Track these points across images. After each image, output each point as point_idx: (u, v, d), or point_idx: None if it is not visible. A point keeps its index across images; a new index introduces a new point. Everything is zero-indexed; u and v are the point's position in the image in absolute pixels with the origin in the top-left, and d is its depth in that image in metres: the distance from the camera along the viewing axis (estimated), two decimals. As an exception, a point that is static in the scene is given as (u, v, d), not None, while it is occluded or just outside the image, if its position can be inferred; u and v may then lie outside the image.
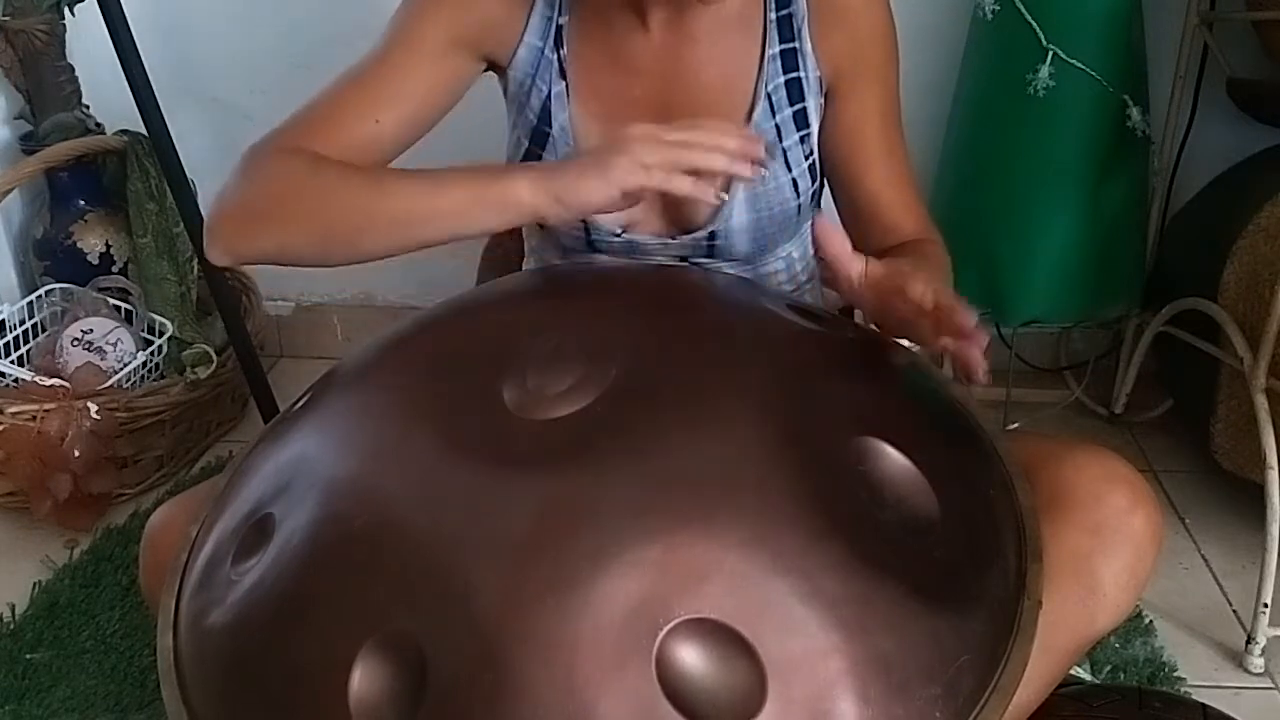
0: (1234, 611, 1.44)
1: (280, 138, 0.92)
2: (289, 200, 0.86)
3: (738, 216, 0.99)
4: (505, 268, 1.29)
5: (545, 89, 0.98)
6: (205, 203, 1.63)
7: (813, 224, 0.83)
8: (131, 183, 1.73)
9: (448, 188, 0.84)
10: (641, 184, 0.81)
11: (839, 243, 0.81)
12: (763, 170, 0.85)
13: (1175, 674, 1.32)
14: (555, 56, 0.97)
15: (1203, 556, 1.54)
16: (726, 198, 0.86)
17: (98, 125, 1.80)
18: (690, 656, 0.58)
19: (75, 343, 1.67)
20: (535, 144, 0.99)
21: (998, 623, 0.66)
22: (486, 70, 1.01)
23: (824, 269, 0.84)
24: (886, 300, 0.79)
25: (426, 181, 0.85)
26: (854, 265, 0.80)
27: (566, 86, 0.98)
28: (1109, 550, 0.79)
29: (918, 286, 0.76)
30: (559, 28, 0.97)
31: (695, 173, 0.82)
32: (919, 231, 1.02)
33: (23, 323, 1.74)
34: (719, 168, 0.82)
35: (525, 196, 0.83)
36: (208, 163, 1.90)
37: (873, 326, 0.88)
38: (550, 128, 0.98)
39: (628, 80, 0.98)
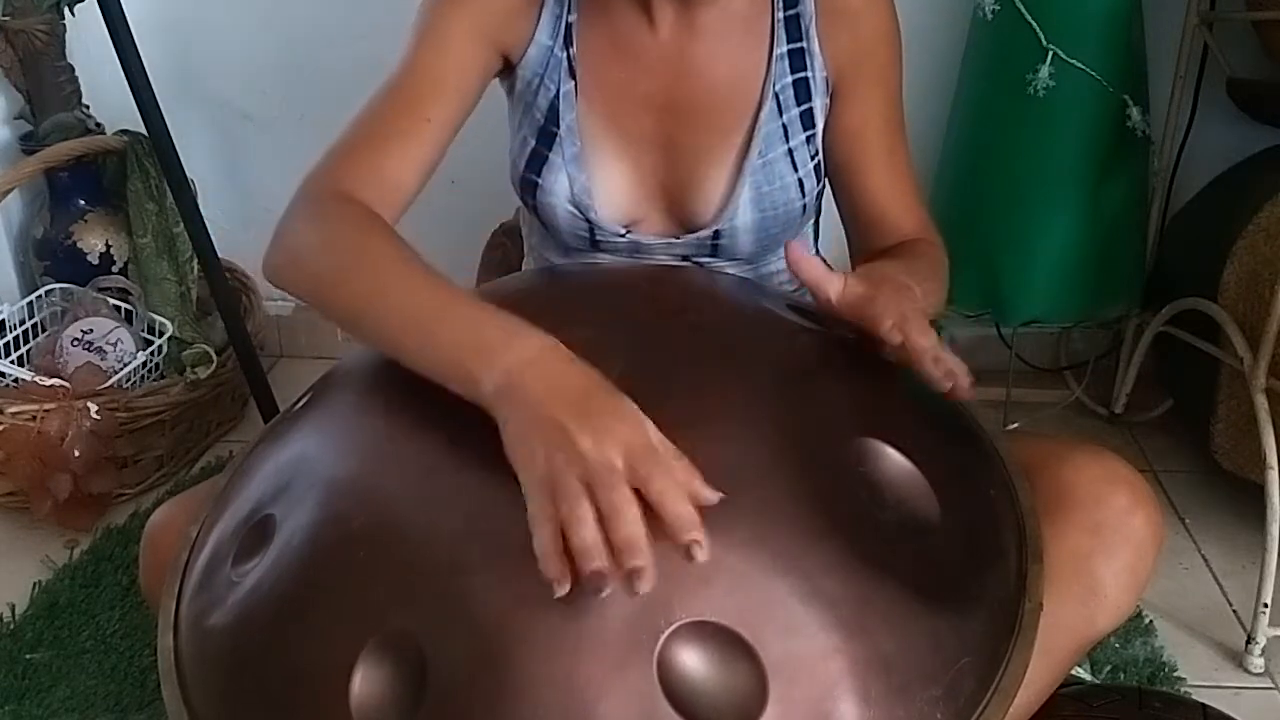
0: (1234, 611, 1.44)
1: (334, 169, 0.90)
2: (311, 268, 0.84)
3: (742, 216, 0.99)
4: (505, 268, 1.29)
5: (554, 88, 0.98)
6: (205, 203, 1.64)
7: (785, 249, 0.80)
8: (131, 183, 1.73)
9: (438, 332, 0.72)
10: (529, 509, 0.62)
11: (812, 267, 0.79)
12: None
13: (1175, 674, 1.32)
14: (565, 55, 0.97)
15: (1203, 556, 1.54)
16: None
17: (98, 125, 1.80)
18: (691, 658, 0.58)
19: (75, 343, 1.67)
20: (542, 144, 0.99)
21: (998, 623, 0.66)
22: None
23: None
24: (864, 322, 0.77)
25: (425, 309, 0.74)
26: (832, 286, 0.78)
27: (574, 85, 0.98)
28: (1109, 551, 0.79)
29: (887, 323, 0.74)
30: (568, 26, 0.97)
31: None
32: (918, 232, 1.02)
33: (23, 323, 1.74)
34: (665, 516, 0.61)
35: (484, 394, 0.68)
36: (208, 163, 1.91)
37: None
38: (558, 127, 0.98)
39: (635, 78, 0.98)
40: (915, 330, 0.74)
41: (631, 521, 0.60)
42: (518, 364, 0.67)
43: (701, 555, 0.59)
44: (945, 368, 0.73)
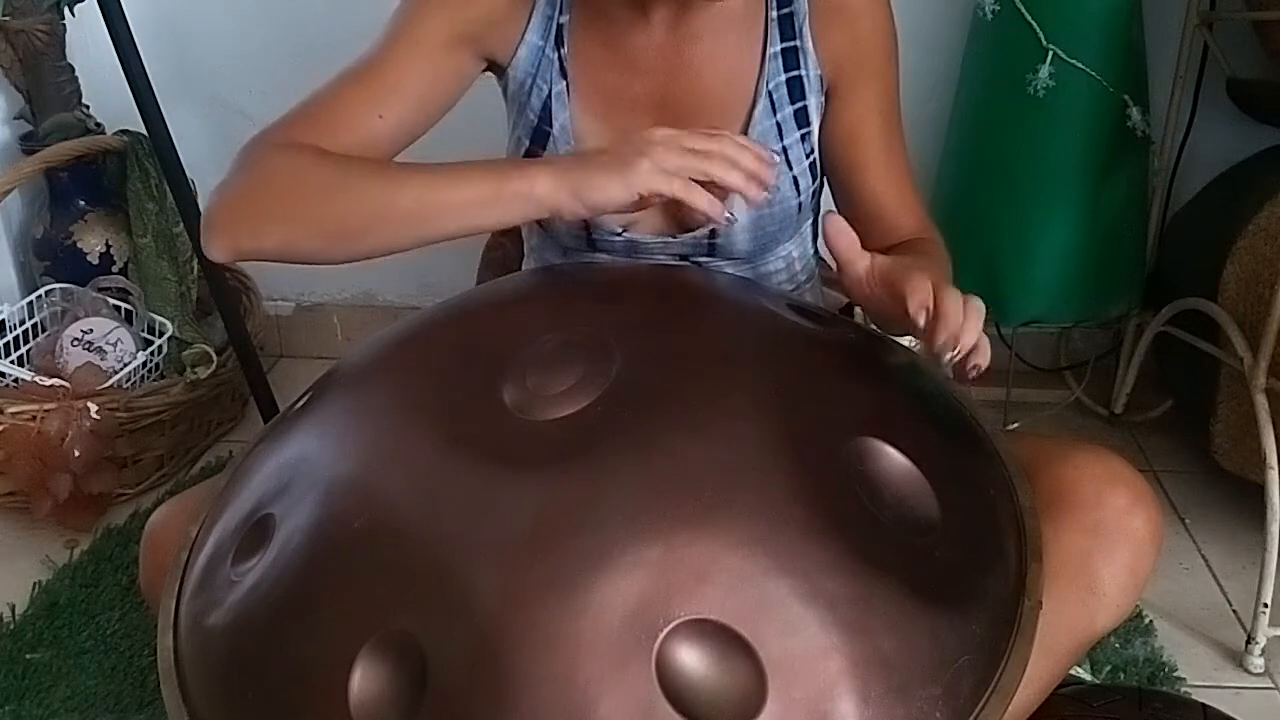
0: (1234, 611, 1.44)
1: (280, 132, 0.91)
2: (294, 195, 0.85)
3: (738, 215, 0.99)
4: (505, 268, 1.29)
5: (546, 88, 0.98)
6: (205, 203, 1.64)
7: (824, 219, 0.83)
8: (131, 183, 1.73)
9: (464, 181, 0.83)
10: (660, 190, 0.80)
11: (848, 239, 0.81)
12: (767, 195, 0.84)
13: (1175, 674, 1.32)
14: (556, 55, 0.97)
15: (1203, 556, 1.54)
16: (736, 218, 0.86)
17: (98, 125, 1.80)
18: (690, 657, 0.58)
19: (75, 343, 1.67)
20: (536, 143, 0.99)
21: (998, 623, 0.66)
22: (486, 70, 1.01)
23: (827, 268, 0.84)
24: (890, 297, 0.79)
25: (440, 174, 0.84)
26: (860, 261, 0.81)
27: (567, 85, 0.98)
28: (1109, 550, 0.79)
29: (919, 285, 0.75)
30: (559, 26, 0.97)
31: (710, 185, 0.81)
32: (918, 230, 1.02)
33: (23, 323, 1.74)
34: (735, 184, 0.81)
35: (543, 191, 0.82)
36: (208, 163, 1.90)
37: (873, 326, 0.88)
38: (551, 127, 0.98)
39: (629, 78, 0.98)
40: (947, 297, 0.75)
41: (734, 143, 0.81)
42: (558, 162, 0.82)
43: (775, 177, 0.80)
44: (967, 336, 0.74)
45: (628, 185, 0.80)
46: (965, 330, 0.74)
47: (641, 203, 0.82)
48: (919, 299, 0.75)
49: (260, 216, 0.86)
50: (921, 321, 0.75)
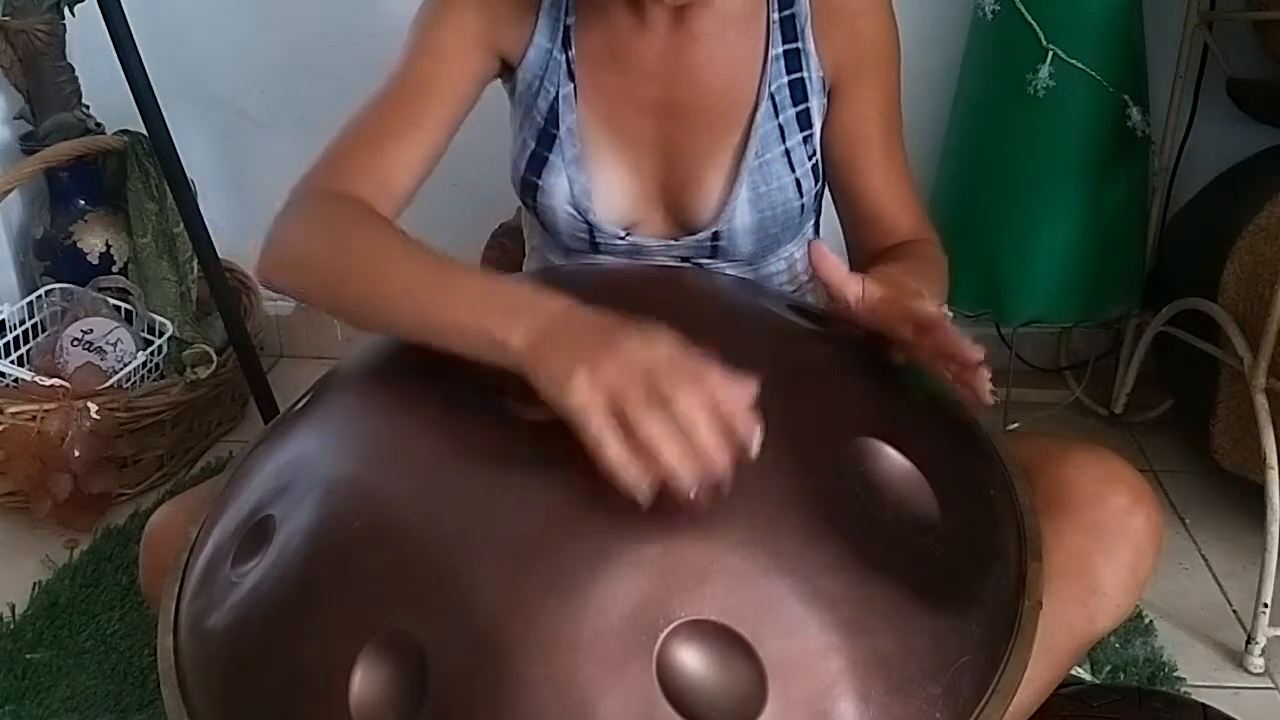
0: (1234, 611, 1.44)
1: (326, 171, 0.91)
2: (313, 263, 0.84)
3: (741, 217, 0.99)
4: (505, 268, 1.30)
5: (554, 90, 0.98)
6: (205, 203, 1.64)
7: (809, 247, 0.79)
8: (131, 183, 1.73)
9: (452, 298, 0.73)
10: (577, 422, 0.63)
11: (834, 266, 0.77)
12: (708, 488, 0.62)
13: (1175, 674, 1.32)
14: (564, 57, 0.97)
15: (1203, 556, 1.54)
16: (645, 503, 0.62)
17: (98, 125, 1.80)
18: (690, 657, 0.58)
19: (75, 343, 1.67)
20: (542, 146, 0.99)
21: (998, 623, 0.66)
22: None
23: (821, 290, 0.81)
24: (884, 323, 0.77)
25: (434, 283, 0.75)
26: (851, 288, 0.77)
27: (574, 88, 0.98)
28: (1109, 550, 0.79)
29: (925, 307, 0.73)
30: (567, 28, 0.97)
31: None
32: (917, 232, 1.02)
33: (23, 323, 1.74)
34: (667, 467, 0.61)
35: (513, 350, 0.68)
36: (208, 163, 1.91)
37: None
38: (558, 129, 0.98)
39: (632, 81, 0.98)
40: (946, 325, 0.73)
41: (710, 424, 0.61)
42: (545, 316, 0.68)
43: (754, 452, 0.61)
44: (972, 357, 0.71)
45: (561, 397, 0.64)
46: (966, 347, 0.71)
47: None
48: (918, 318, 0.73)
49: (289, 270, 0.85)
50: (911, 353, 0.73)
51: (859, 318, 0.78)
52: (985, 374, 0.71)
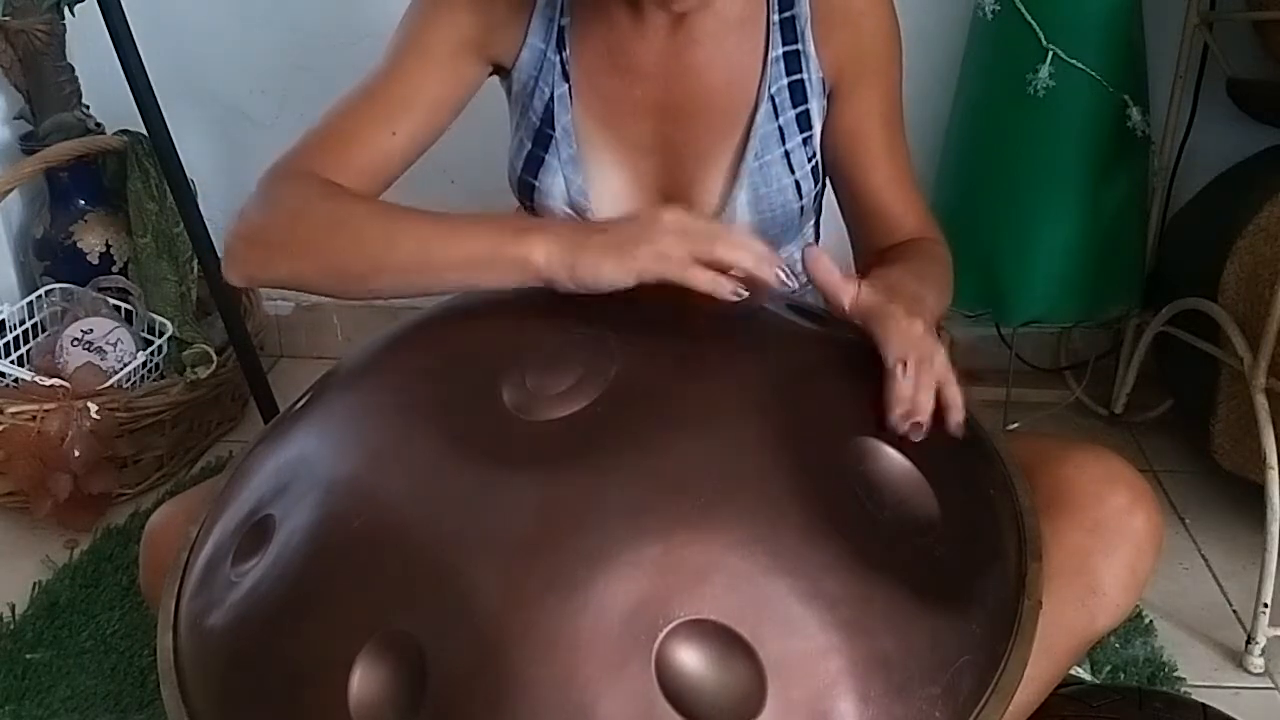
0: (1234, 611, 1.44)
1: (299, 158, 0.91)
2: (302, 232, 0.84)
3: (741, 218, 0.99)
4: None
5: (548, 91, 0.98)
6: (205, 203, 1.64)
7: (803, 252, 0.80)
8: (131, 183, 1.73)
9: (461, 239, 0.80)
10: (660, 275, 0.76)
11: (828, 270, 0.78)
12: (782, 280, 0.77)
13: (1175, 674, 1.32)
14: (558, 58, 0.97)
15: (1203, 556, 1.54)
16: (746, 294, 0.77)
17: (98, 125, 1.80)
18: (690, 657, 0.58)
19: (75, 343, 1.67)
20: (538, 146, 0.99)
21: (998, 623, 0.66)
22: (491, 74, 1.01)
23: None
24: (873, 339, 0.77)
25: (440, 228, 0.81)
26: (846, 291, 0.78)
27: (569, 88, 0.98)
28: (1109, 550, 0.79)
29: (893, 356, 0.73)
30: (561, 29, 0.97)
31: (715, 267, 0.76)
32: (921, 230, 1.01)
33: (23, 323, 1.74)
34: (744, 263, 0.76)
35: (540, 260, 0.78)
36: (208, 163, 1.91)
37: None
38: (553, 130, 0.98)
39: (629, 82, 0.98)
40: (924, 375, 0.73)
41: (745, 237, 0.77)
42: (556, 230, 0.77)
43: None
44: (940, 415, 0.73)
45: (625, 269, 0.76)
46: (918, 405, 0.72)
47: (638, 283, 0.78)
48: (896, 356, 0.73)
49: (272, 250, 0.86)
50: (900, 412, 0.72)
51: (851, 320, 0.78)
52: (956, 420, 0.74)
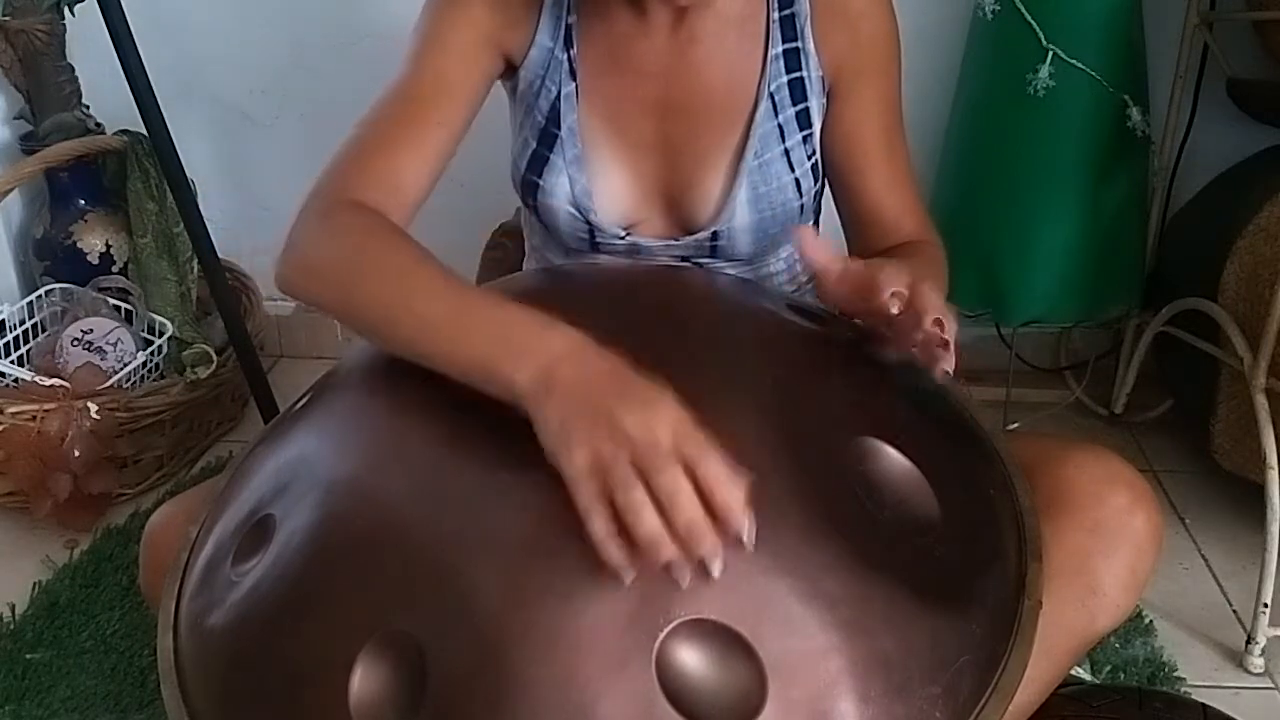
0: (1234, 611, 1.44)
1: (344, 175, 0.89)
2: (329, 278, 0.83)
3: (740, 216, 0.99)
4: (505, 268, 1.30)
5: (555, 89, 0.98)
6: (205, 203, 1.64)
7: (795, 232, 0.80)
8: (131, 183, 1.73)
9: (467, 335, 0.72)
10: (571, 485, 0.62)
11: (819, 246, 0.78)
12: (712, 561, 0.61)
13: (1175, 674, 1.32)
14: (565, 56, 0.97)
15: (1203, 556, 1.54)
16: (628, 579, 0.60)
17: (98, 125, 1.80)
18: (690, 657, 0.58)
19: (75, 343, 1.67)
20: (543, 145, 0.99)
21: (998, 623, 0.66)
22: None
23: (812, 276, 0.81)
24: (861, 298, 0.77)
25: (451, 313, 0.74)
26: (834, 266, 0.78)
27: (576, 87, 0.98)
28: (1109, 550, 0.79)
29: (892, 275, 0.73)
30: (569, 27, 0.97)
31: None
32: (918, 233, 1.02)
33: (23, 323, 1.74)
34: (661, 551, 0.60)
35: (520, 390, 0.67)
36: (208, 163, 1.91)
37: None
38: (559, 129, 0.98)
39: (633, 81, 0.98)
40: (927, 290, 0.73)
41: (691, 505, 0.59)
42: (551, 358, 0.67)
43: (749, 544, 0.60)
44: (939, 339, 0.72)
45: (556, 457, 0.63)
46: (945, 315, 0.72)
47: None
48: (892, 287, 0.73)
49: (307, 281, 0.84)
50: (895, 309, 0.72)
51: (839, 294, 0.78)
52: (947, 347, 0.72)
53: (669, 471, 0.60)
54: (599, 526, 0.60)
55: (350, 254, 0.82)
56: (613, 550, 0.59)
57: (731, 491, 0.60)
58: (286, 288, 0.85)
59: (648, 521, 0.59)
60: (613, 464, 0.60)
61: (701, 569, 0.59)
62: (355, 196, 0.87)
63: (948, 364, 0.73)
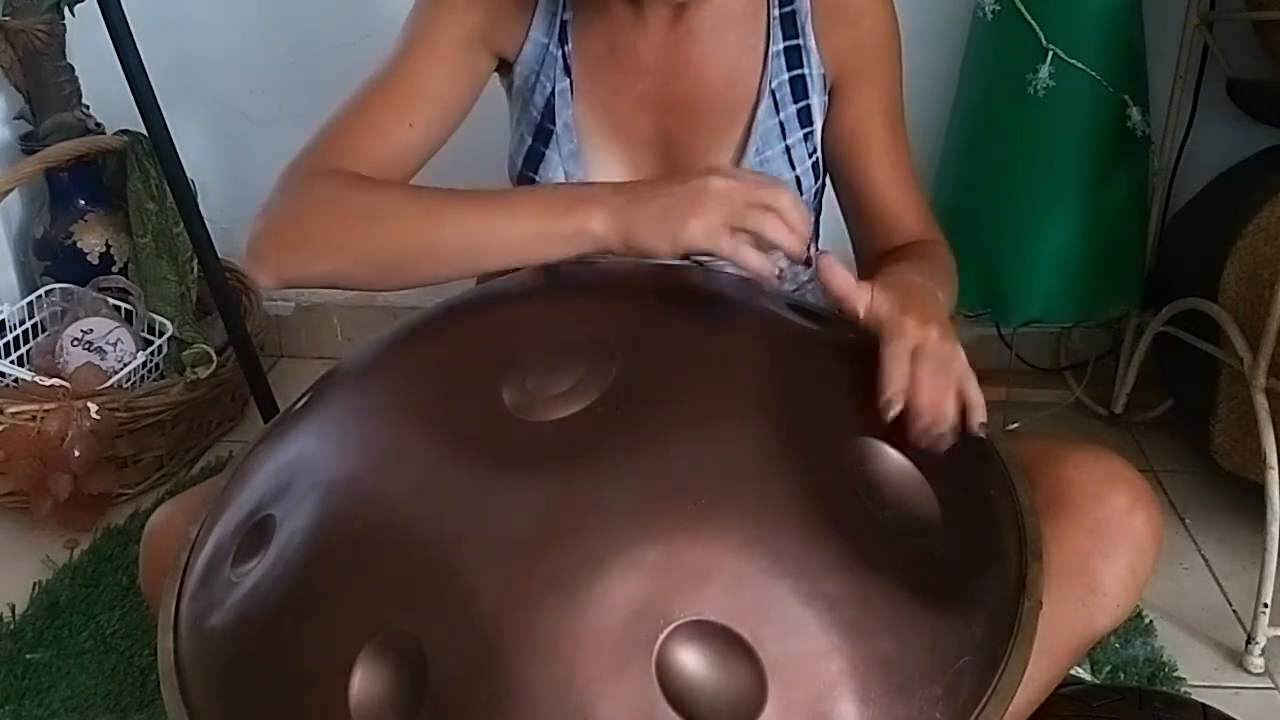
0: (1234, 611, 1.44)
1: (317, 155, 0.90)
2: (337, 225, 0.83)
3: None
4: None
5: (550, 85, 0.98)
6: (205, 203, 1.64)
7: (817, 259, 0.78)
8: (131, 183, 1.73)
9: (515, 216, 0.80)
10: (708, 249, 0.79)
11: (843, 278, 0.77)
12: (808, 255, 0.81)
13: (1175, 674, 1.32)
14: (560, 52, 0.97)
15: (1203, 556, 1.54)
16: (787, 275, 0.81)
17: (98, 125, 1.80)
18: (690, 658, 0.58)
19: (75, 343, 1.67)
20: (539, 141, 0.99)
21: (998, 623, 0.66)
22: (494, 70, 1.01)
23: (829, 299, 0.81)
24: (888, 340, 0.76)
25: (490, 208, 0.81)
26: (860, 298, 0.76)
27: (571, 83, 0.98)
28: (1109, 550, 0.79)
29: (896, 367, 0.72)
30: (563, 24, 0.97)
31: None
32: (922, 231, 1.01)
33: (23, 323, 1.74)
34: (786, 245, 0.78)
35: (598, 230, 0.80)
36: (208, 163, 1.91)
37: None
38: (554, 124, 0.98)
39: (631, 77, 0.98)
40: (943, 378, 0.72)
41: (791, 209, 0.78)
42: (609, 197, 0.79)
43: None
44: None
45: (674, 242, 0.79)
46: (941, 412, 0.70)
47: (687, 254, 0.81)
48: (895, 388, 0.70)
49: (306, 246, 0.84)
50: (890, 414, 0.70)
51: (866, 325, 0.77)
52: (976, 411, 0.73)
53: (765, 192, 0.78)
54: (751, 255, 0.77)
55: (354, 194, 0.83)
56: (768, 268, 0.78)
57: (798, 208, 0.79)
58: (273, 266, 0.85)
59: (779, 233, 0.77)
60: (719, 206, 0.77)
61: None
62: (334, 167, 0.88)
63: (979, 418, 0.73)
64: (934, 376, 0.71)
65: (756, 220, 0.78)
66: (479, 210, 0.82)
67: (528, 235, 0.80)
